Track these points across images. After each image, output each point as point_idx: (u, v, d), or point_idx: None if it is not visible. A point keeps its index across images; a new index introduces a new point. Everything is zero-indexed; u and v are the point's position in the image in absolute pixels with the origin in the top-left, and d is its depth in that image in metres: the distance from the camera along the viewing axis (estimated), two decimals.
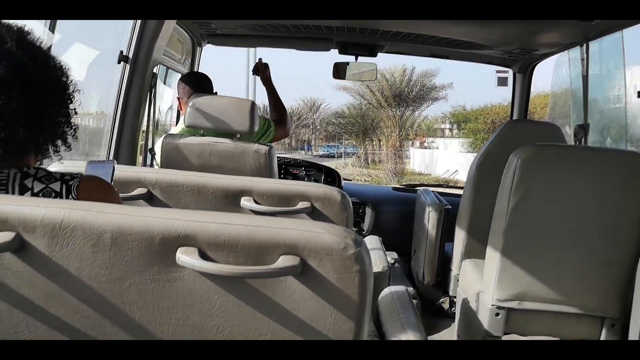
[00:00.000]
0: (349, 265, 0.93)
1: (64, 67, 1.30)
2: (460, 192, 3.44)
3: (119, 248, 0.93)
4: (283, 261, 0.91)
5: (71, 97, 1.31)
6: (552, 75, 3.82)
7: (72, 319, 0.95)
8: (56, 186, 1.25)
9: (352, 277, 0.94)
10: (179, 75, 3.34)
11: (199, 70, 3.86)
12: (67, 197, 1.24)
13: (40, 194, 1.23)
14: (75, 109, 1.32)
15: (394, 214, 4.10)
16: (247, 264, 0.92)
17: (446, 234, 3.25)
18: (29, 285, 0.94)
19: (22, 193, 1.21)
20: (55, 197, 1.24)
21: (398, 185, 4.53)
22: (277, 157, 3.44)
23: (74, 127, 1.32)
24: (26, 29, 1.25)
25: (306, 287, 0.94)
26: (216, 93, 2.98)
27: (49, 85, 1.25)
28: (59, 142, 1.31)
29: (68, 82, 1.30)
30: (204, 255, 0.91)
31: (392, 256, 3.79)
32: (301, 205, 1.78)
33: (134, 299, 0.95)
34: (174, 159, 2.53)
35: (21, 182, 1.22)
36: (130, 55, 2.60)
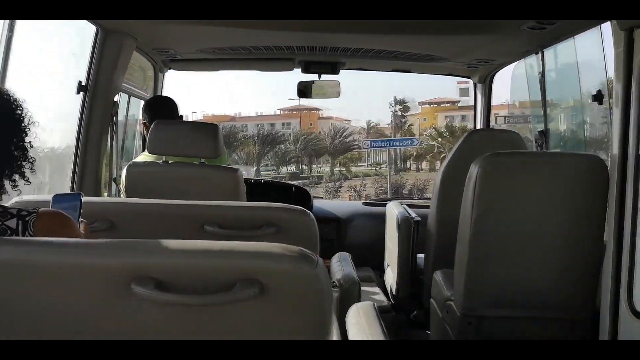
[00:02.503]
0: (307, 285, 0.95)
1: (17, 99, 1.28)
2: (429, 203, 3.46)
3: (73, 283, 0.92)
4: (240, 287, 0.92)
5: (26, 130, 1.29)
6: (510, 84, 3.90)
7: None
8: (12, 223, 1.23)
9: (311, 297, 0.95)
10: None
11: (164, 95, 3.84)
12: (23, 235, 1.22)
13: None
14: (31, 142, 1.30)
15: (366, 229, 4.11)
16: (205, 291, 0.92)
17: (417, 246, 3.26)
18: None
19: None
20: (10, 234, 1.21)
21: (368, 200, 4.53)
22: (246, 179, 3.42)
23: (31, 161, 1.30)
24: None
25: (267, 309, 0.95)
26: (182, 117, 2.96)
27: (2, 118, 1.24)
28: (17, 177, 1.29)
29: (22, 114, 1.28)
30: (159, 285, 0.91)
31: (366, 272, 3.80)
32: (266, 227, 1.78)
33: (93, 330, 0.94)
34: (139, 187, 2.50)
35: None
36: (90, 85, 2.58)
